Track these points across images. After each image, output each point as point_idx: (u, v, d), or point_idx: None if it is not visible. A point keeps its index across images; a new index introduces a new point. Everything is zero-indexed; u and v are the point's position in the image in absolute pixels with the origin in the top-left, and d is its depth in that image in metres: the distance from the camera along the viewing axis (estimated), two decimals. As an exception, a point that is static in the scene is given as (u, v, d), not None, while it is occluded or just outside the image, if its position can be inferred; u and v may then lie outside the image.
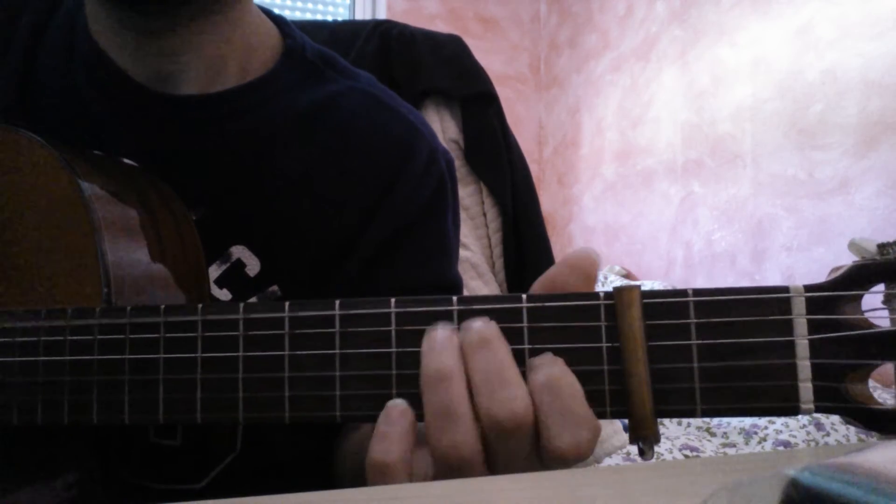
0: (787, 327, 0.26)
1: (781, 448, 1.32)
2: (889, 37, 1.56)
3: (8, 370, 0.33)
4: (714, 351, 0.26)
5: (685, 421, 1.62)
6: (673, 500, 0.21)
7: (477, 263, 0.81)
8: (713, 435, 1.52)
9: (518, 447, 0.26)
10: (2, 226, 0.38)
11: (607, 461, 1.21)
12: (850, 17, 1.67)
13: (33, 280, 0.37)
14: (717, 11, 2.12)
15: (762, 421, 1.47)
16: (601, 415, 0.27)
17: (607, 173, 2.70)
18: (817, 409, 0.25)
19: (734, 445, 1.43)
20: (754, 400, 0.26)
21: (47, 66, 0.47)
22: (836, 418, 1.41)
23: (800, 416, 1.41)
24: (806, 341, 0.25)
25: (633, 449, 1.35)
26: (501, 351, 0.26)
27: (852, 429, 1.38)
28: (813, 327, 0.25)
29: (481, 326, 0.27)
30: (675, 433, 1.54)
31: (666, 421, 1.64)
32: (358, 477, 0.45)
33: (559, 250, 2.98)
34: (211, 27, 0.45)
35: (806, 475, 0.14)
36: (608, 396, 0.27)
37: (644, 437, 0.26)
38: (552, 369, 0.26)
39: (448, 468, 0.26)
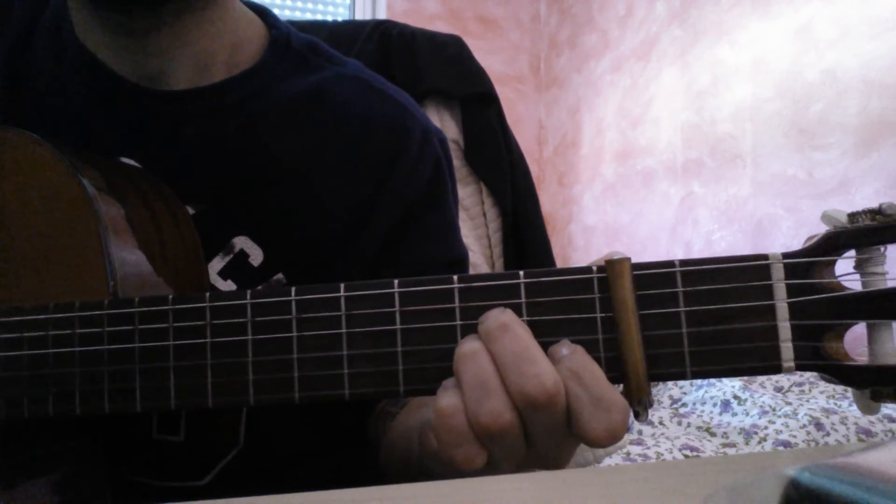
0: (768, 292, 0.27)
1: (781, 448, 1.32)
2: (889, 37, 1.56)
3: (17, 364, 0.33)
4: (701, 316, 0.28)
5: (685, 421, 1.62)
6: (673, 500, 0.21)
7: (477, 263, 0.81)
8: (713, 435, 1.52)
9: (552, 423, 0.28)
10: (5, 224, 0.38)
11: (607, 461, 1.21)
12: (850, 17, 1.67)
13: (37, 278, 0.37)
14: (717, 11, 2.12)
15: (762, 421, 1.47)
16: None
17: (607, 173, 2.70)
18: (798, 368, 0.27)
19: (734, 445, 1.43)
20: (740, 361, 0.27)
21: (37, 66, 0.47)
22: (836, 418, 1.40)
23: (800, 416, 1.41)
24: (785, 304, 0.27)
25: (634, 448, 1.36)
26: (522, 332, 0.28)
27: (852, 429, 1.38)
28: (791, 291, 0.27)
29: (498, 314, 0.28)
30: (675, 433, 1.54)
31: (666, 420, 1.64)
32: (409, 447, 0.45)
33: (559, 250, 2.98)
34: (196, 23, 0.45)
35: (806, 475, 0.14)
36: (604, 363, 0.28)
37: (639, 400, 0.27)
38: (574, 359, 0.27)
39: (490, 441, 0.27)
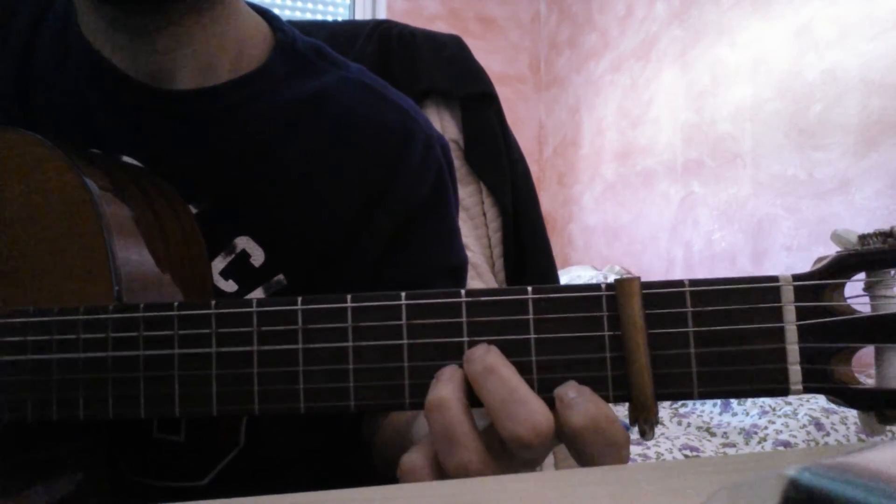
0: (777, 314, 0.27)
1: (781, 448, 1.32)
2: (889, 37, 1.56)
3: (21, 368, 0.33)
4: (709, 337, 0.28)
5: (685, 421, 1.62)
6: (673, 500, 0.21)
7: (477, 263, 0.81)
8: (713, 435, 1.52)
9: (539, 455, 0.28)
10: (8, 226, 0.38)
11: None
12: (850, 17, 1.67)
13: (42, 280, 0.37)
14: (717, 11, 2.12)
15: (762, 421, 1.47)
16: (604, 399, 0.28)
17: (607, 173, 2.70)
18: (805, 390, 0.27)
19: (734, 445, 1.43)
20: (747, 382, 0.27)
21: (43, 66, 0.47)
22: (836, 418, 1.40)
23: (800, 416, 1.41)
24: (794, 327, 0.27)
25: (634, 448, 1.36)
26: (508, 373, 0.27)
27: (852, 429, 1.38)
28: (801, 314, 0.27)
29: (483, 355, 0.28)
30: (675, 433, 1.54)
31: (666, 421, 1.64)
32: (395, 436, 0.46)
33: (559, 250, 2.98)
34: (202, 24, 0.45)
35: (806, 475, 0.14)
36: (610, 382, 0.28)
37: (645, 419, 0.27)
38: (587, 406, 0.27)
39: None
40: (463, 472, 0.27)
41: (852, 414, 1.40)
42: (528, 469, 0.29)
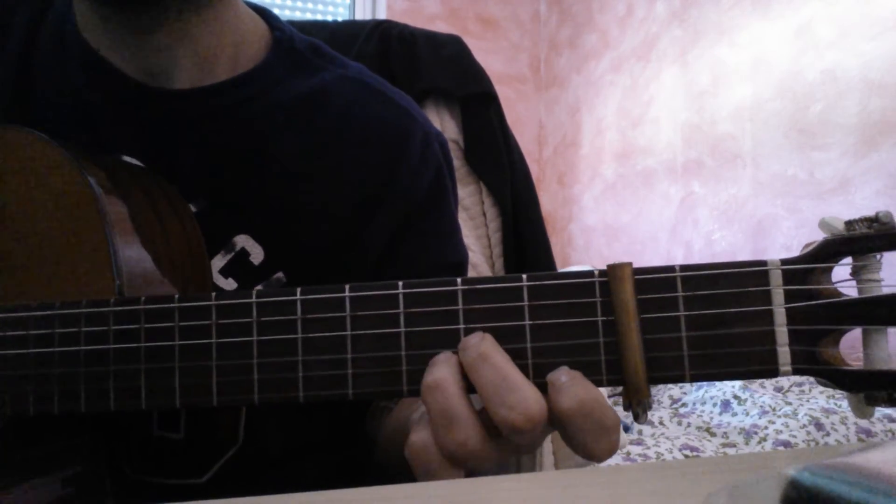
0: (766, 297, 0.28)
1: (781, 448, 1.32)
2: (889, 37, 1.56)
3: (24, 362, 0.33)
4: (700, 321, 0.28)
5: (685, 421, 1.62)
6: (673, 500, 0.21)
7: (477, 263, 0.81)
8: (713, 435, 1.52)
9: (534, 440, 0.28)
10: (11, 223, 0.38)
11: (607, 461, 1.20)
12: (849, 17, 1.67)
13: (44, 276, 0.37)
14: (717, 11, 2.12)
15: (762, 421, 1.47)
16: (598, 383, 0.28)
17: (607, 173, 2.70)
18: (794, 372, 0.27)
19: (734, 445, 1.43)
20: (738, 364, 0.28)
21: (43, 66, 0.47)
22: (836, 418, 1.40)
23: (800, 416, 1.41)
24: (783, 310, 0.28)
25: (634, 448, 1.36)
26: (501, 360, 0.28)
27: (852, 429, 1.38)
28: (789, 297, 0.28)
29: (477, 342, 0.28)
30: (675, 433, 1.54)
31: (666, 421, 1.64)
32: (397, 433, 0.46)
33: (559, 250, 2.98)
34: (199, 22, 0.45)
35: (806, 475, 0.14)
36: (604, 366, 0.29)
37: (639, 402, 0.28)
38: (577, 390, 0.27)
39: (462, 464, 0.28)
40: (462, 451, 0.27)
41: (852, 413, 1.40)
42: (526, 451, 0.30)
